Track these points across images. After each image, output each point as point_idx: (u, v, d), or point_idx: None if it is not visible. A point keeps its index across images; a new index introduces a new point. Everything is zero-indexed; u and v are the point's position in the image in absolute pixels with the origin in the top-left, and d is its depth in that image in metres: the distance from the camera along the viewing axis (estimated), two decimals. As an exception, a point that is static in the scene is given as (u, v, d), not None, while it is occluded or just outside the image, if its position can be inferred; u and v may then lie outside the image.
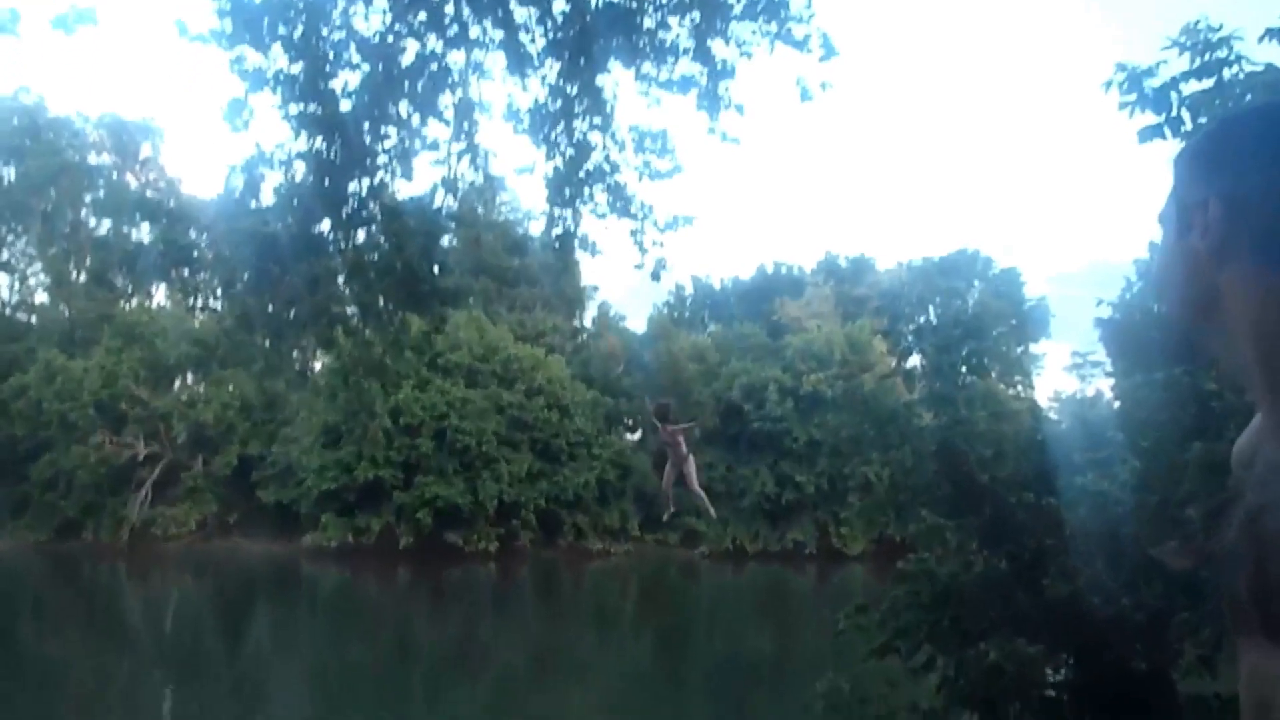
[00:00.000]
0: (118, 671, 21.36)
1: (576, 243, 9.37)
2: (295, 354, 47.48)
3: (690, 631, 16.38)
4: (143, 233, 54.83)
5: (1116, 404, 6.00)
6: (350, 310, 11.18)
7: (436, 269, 10.73)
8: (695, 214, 9.12)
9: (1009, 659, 4.20)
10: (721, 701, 15.23)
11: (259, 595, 37.50)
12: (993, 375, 51.00)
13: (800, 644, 18.36)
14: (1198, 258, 1.09)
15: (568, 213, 9.04)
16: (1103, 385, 6.29)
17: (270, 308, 10.53)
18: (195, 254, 50.43)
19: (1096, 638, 4.00)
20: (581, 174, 8.69)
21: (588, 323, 59.89)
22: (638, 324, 59.23)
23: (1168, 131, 4.21)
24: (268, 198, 9.22)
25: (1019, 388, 51.26)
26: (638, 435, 53.52)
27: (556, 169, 8.65)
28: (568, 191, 8.92)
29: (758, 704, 15.10)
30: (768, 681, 15.62)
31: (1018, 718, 4.22)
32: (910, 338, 51.49)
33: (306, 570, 42.92)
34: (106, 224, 55.80)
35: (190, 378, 51.07)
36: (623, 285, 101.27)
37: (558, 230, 9.18)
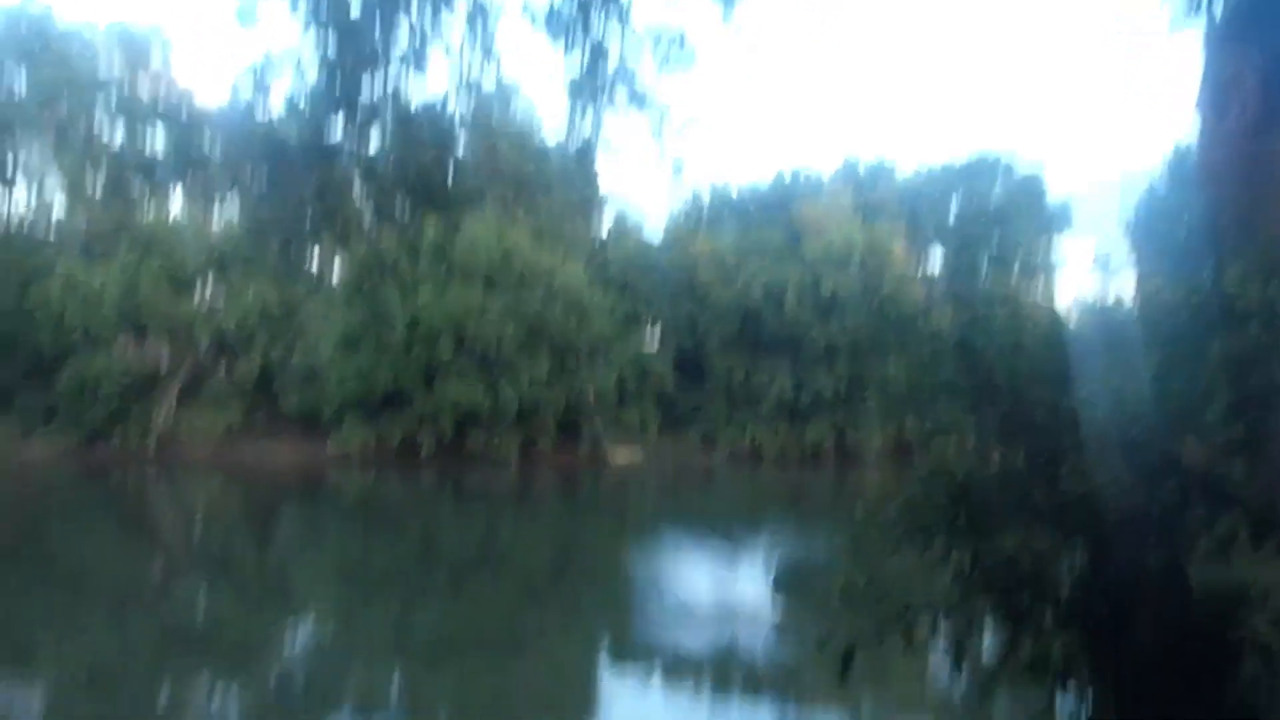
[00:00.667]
0: (153, 569, 21.94)
1: (597, 145, 9.27)
2: (314, 261, 47.66)
3: (702, 526, 16.74)
4: (156, 142, 54.51)
5: (1138, 303, 5.96)
6: (365, 216, 11.15)
7: (451, 173, 10.66)
8: (713, 115, 9.04)
9: (1023, 552, 4.27)
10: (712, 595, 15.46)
11: (286, 498, 38.19)
12: (1013, 278, 50.64)
13: (819, 540, 18.69)
14: (1238, 135, 1.05)
15: (587, 115, 8.93)
16: (1125, 289, 6.24)
17: (283, 213, 10.52)
18: (209, 162, 50.30)
19: (1111, 532, 4.05)
20: (600, 74, 8.55)
21: (605, 229, 59.57)
22: (655, 231, 58.98)
23: (1202, 6, 4.07)
24: (278, 105, 9.13)
25: (1039, 290, 50.91)
26: (656, 339, 53.66)
27: (575, 70, 8.51)
28: (587, 92, 8.79)
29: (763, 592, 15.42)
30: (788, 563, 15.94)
31: (1030, 608, 4.30)
32: (931, 237, 50.97)
33: (331, 475, 43.61)
34: (120, 134, 55.41)
35: (210, 286, 51.24)
36: (640, 193, 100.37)
37: (577, 135, 9.08)
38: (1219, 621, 4.03)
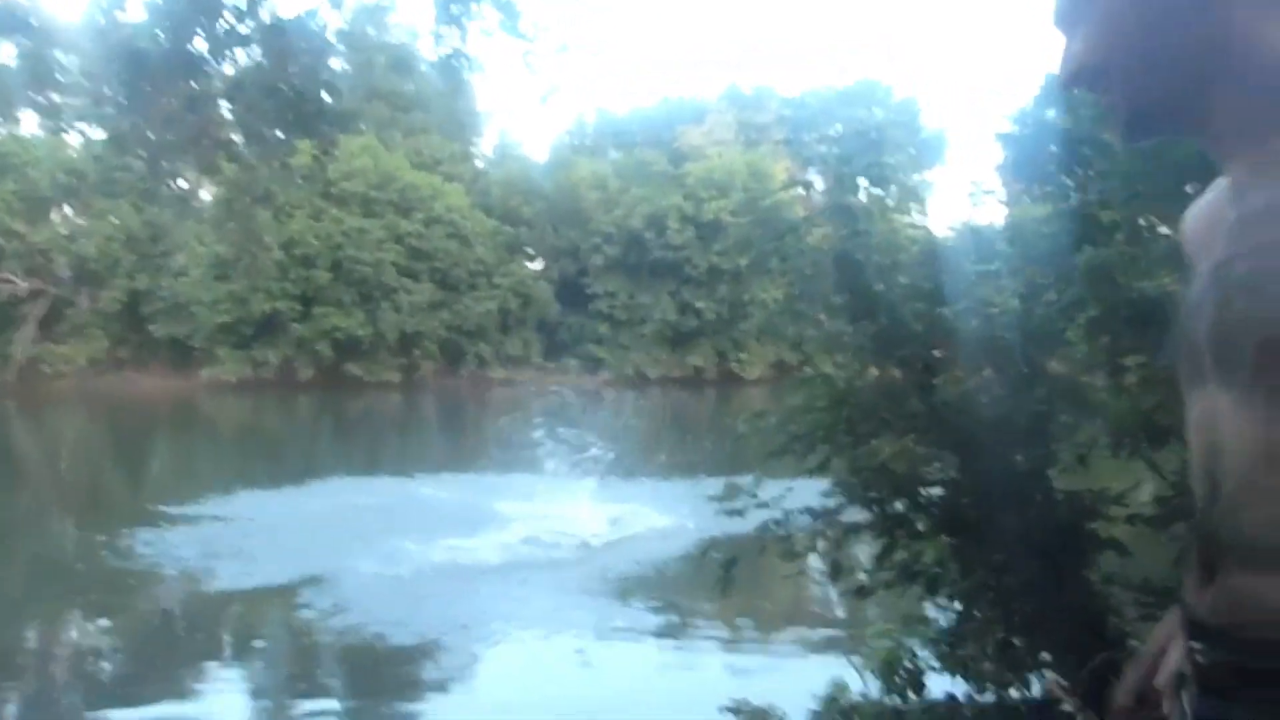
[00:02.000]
0: (14, 500, 21.09)
1: (465, 62, 9.07)
2: (180, 181, 45.72)
3: (588, 443, 16.90)
4: (3, 55, 51.22)
5: (1008, 223, 6.13)
6: (236, 136, 10.71)
7: (324, 91, 10.27)
8: (589, 40, 8.95)
9: (898, 458, 4.40)
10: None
11: (154, 426, 36.97)
12: (890, 201, 51.67)
13: (702, 453, 19.04)
14: None
15: (455, 31, 8.72)
16: (998, 213, 6.40)
17: (145, 131, 10.03)
18: (63, 77, 47.49)
19: (981, 438, 4.20)
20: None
21: (486, 151, 58.56)
22: (539, 153, 58.24)
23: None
24: (139, 14, 8.66)
25: (915, 215, 51.88)
26: (539, 264, 53.30)
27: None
28: (454, 8, 8.57)
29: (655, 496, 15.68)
30: (670, 479, 16.18)
31: (903, 516, 4.45)
32: (812, 159, 51.51)
33: (204, 404, 42.39)
34: (-37, 44, 51.91)
35: (69, 210, 48.76)
36: (523, 115, 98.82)
37: (445, 50, 8.86)
38: (1078, 522, 4.25)
